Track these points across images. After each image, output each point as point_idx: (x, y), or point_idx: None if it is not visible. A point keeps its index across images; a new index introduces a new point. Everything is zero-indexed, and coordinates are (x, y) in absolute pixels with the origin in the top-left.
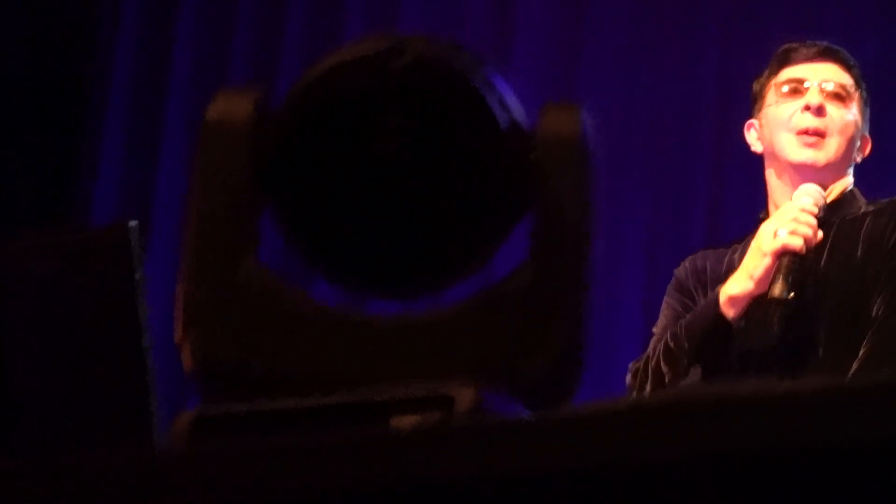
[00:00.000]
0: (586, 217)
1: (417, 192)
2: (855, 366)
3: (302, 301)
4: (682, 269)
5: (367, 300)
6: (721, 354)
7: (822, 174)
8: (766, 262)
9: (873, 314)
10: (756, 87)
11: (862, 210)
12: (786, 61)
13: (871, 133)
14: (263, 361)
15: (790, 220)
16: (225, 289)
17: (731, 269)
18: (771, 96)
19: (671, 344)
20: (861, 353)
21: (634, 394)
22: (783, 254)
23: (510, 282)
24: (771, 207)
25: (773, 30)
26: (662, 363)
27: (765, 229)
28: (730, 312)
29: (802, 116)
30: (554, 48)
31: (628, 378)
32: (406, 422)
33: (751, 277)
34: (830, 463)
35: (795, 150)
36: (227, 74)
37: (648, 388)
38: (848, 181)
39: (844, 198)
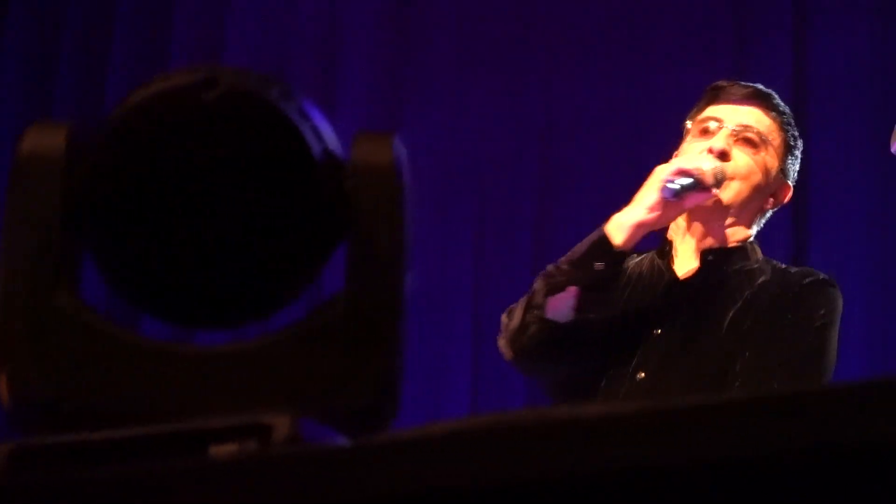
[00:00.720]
0: (400, 246)
1: (232, 223)
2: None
3: (122, 335)
4: None
5: (195, 332)
6: (601, 280)
7: (716, 216)
8: (656, 184)
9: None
10: (687, 120)
11: (757, 267)
12: (712, 99)
13: None
14: (80, 395)
15: (691, 156)
16: (37, 324)
17: (636, 269)
18: (691, 132)
19: (551, 268)
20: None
21: (503, 330)
22: (677, 174)
23: (327, 310)
24: (674, 240)
25: (597, 58)
26: (538, 283)
27: (660, 166)
28: (616, 237)
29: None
30: (380, 78)
31: (503, 318)
32: (223, 451)
33: (640, 204)
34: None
35: None
36: (51, 108)
37: (517, 313)
38: (747, 232)
39: (741, 248)
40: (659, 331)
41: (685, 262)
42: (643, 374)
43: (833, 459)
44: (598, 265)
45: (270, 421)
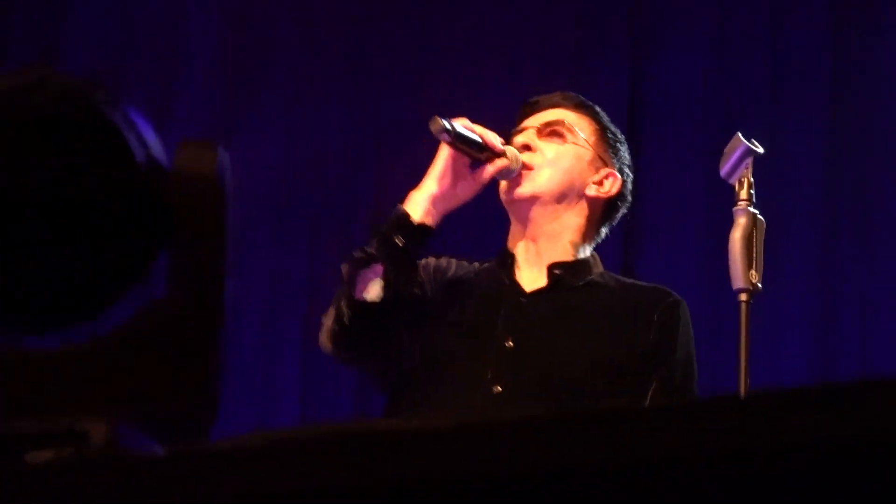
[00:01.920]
0: (220, 255)
1: (54, 226)
2: None
3: None
4: (423, 262)
5: (20, 336)
6: (404, 255)
7: (533, 205)
8: (444, 153)
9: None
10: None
11: (602, 282)
12: (523, 116)
13: None
14: None
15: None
16: None
17: (472, 278)
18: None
19: (355, 252)
20: None
21: (322, 330)
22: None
23: (148, 316)
24: (515, 252)
25: (432, 74)
26: (344, 267)
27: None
28: (414, 213)
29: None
30: (218, 90)
31: (322, 318)
32: (39, 457)
33: (431, 175)
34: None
35: (504, 189)
36: None
37: (332, 306)
38: (576, 221)
39: (584, 261)
40: (511, 343)
41: (529, 274)
42: (499, 388)
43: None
44: (399, 240)
45: (87, 427)
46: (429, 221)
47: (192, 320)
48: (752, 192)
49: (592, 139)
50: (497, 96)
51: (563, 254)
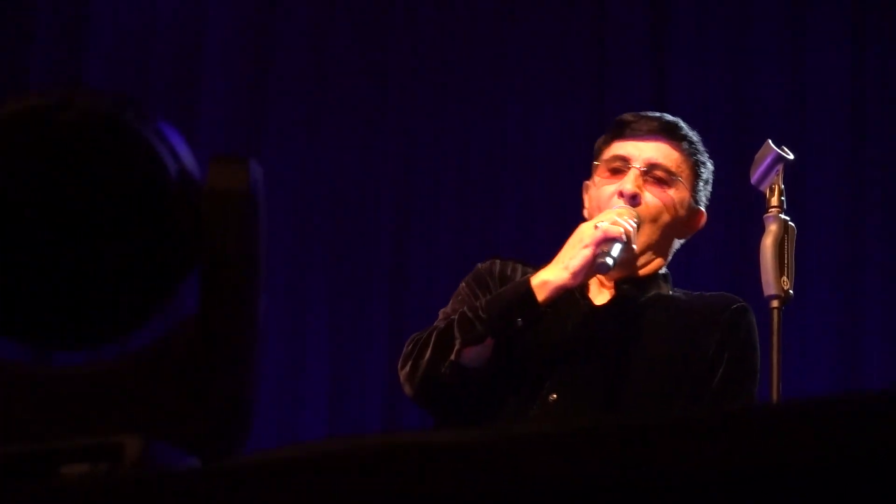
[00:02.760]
0: (253, 271)
1: (87, 244)
2: None
3: None
4: (487, 266)
5: (52, 353)
6: (520, 333)
7: (628, 260)
8: (586, 252)
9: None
10: (595, 148)
11: (670, 294)
12: (617, 135)
13: None
14: None
15: (610, 215)
16: None
17: None
18: (600, 170)
19: (469, 314)
20: None
21: (409, 363)
22: (603, 242)
23: (181, 333)
24: None
25: (455, 90)
26: (455, 329)
27: (584, 226)
28: (539, 295)
29: (618, 202)
30: (239, 108)
31: (407, 347)
32: (75, 471)
33: (566, 268)
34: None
35: None
36: None
37: (428, 354)
38: (660, 261)
39: (654, 277)
40: (576, 357)
41: (597, 289)
42: (555, 396)
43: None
44: (519, 322)
45: (121, 442)
46: (546, 305)
47: (224, 336)
48: (782, 198)
49: (690, 181)
50: (520, 113)
51: (633, 270)
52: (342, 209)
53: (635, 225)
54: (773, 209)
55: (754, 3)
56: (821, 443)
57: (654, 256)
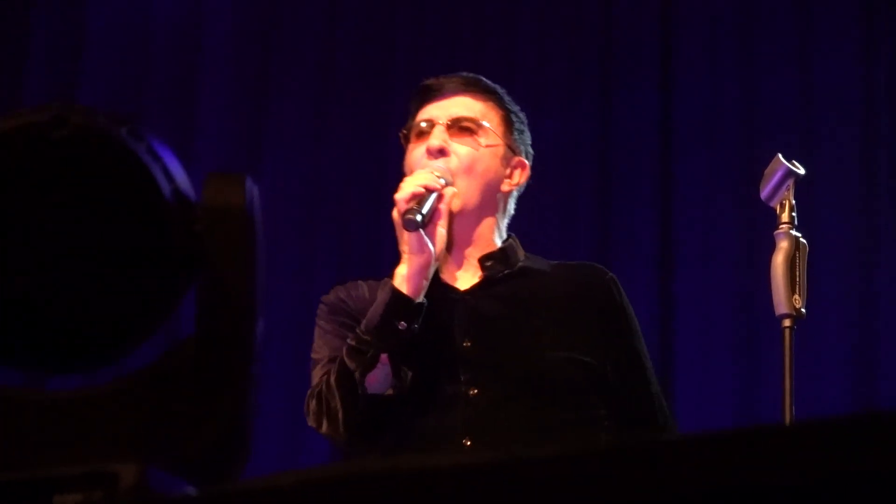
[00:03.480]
0: (251, 290)
1: (80, 264)
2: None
3: None
4: (336, 295)
5: (45, 377)
6: (410, 337)
7: (454, 219)
8: (402, 224)
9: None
10: (405, 131)
11: (532, 266)
12: (422, 102)
13: None
14: None
15: (409, 179)
16: None
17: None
18: (410, 138)
19: (352, 343)
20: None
21: (324, 419)
22: (411, 201)
23: (177, 355)
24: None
25: None
26: (349, 363)
27: (396, 196)
28: (407, 290)
29: (428, 162)
30: (238, 118)
31: (311, 405)
32: (69, 500)
33: (402, 251)
34: None
35: None
36: None
37: (338, 401)
38: (498, 222)
39: (509, 246)
40: (468, 343)
41: (457, 272)
42: (476, 391)
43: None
44: (402, 324)
45: (116, 469)
46: (419, 296)
47: (222, 358)
48: (793, 214)
49: (500, 129)
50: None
51: (488, 246)
52: (348, 219)
53: (440, 177)
54: (783, 225)
55: (763, 8)
56: (834, 465)
57: (483, 214)
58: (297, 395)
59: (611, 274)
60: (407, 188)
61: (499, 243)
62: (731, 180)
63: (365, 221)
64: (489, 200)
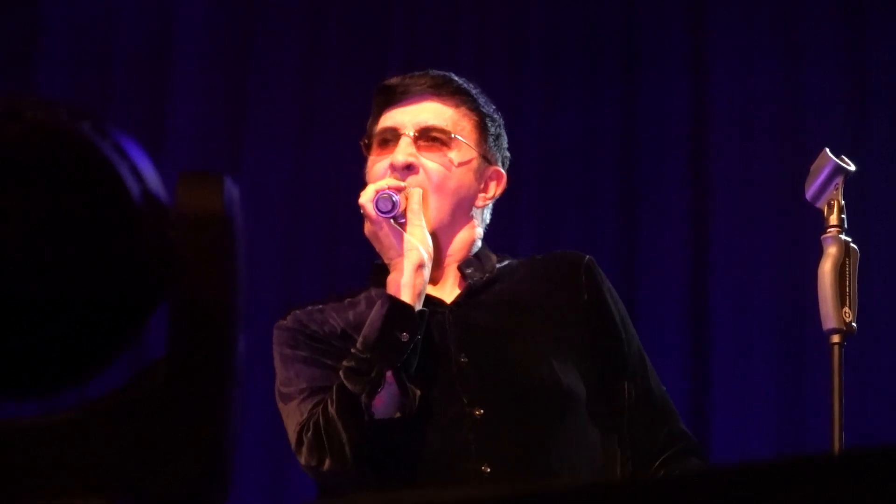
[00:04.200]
0: (230, 304)
1: (38, 276)
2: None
3: None
4: (296, 319)
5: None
6: (413, 351)
7: (439, 234)
8: (383, 230)
9: (626, 395)
10: (367, 127)
11: (508, 263)
12: (384, 104)
13: None
14: None
15: (365, 192)
16: None
17: (359, 316)
18: (372, 148)
19: (350, 364)
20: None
21: (327, 457)
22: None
23: (147, 379)
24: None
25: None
26: (350, 387)
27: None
28: (402, 295)
29: (392, 176)
30: (215, 110)
31: (306, 441)
32: None
33: (389, 258)
34: None
35: None
36: None
37: (343, 433)
38: (471, 234)
39: (483, 253)
40: (464, 359)
41: (447, 288)
42: (482, 411)
43: None
44: (404, 335)
45: None
46: (417, 302)
47: (197, 381)
48: (843, 216)
49: (474, 137)
50: (538, 114)
51: (463, 255)
52: (335, 227)
53: (402, 183)
54: (832, 229)
55: None
56: (889, 500)
57: (456, 229)
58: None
59: (588, 257)
60: (370, 189)
61: (475, 251)
62: (772, 178)
63: (354, 228)
64: (462, 216)
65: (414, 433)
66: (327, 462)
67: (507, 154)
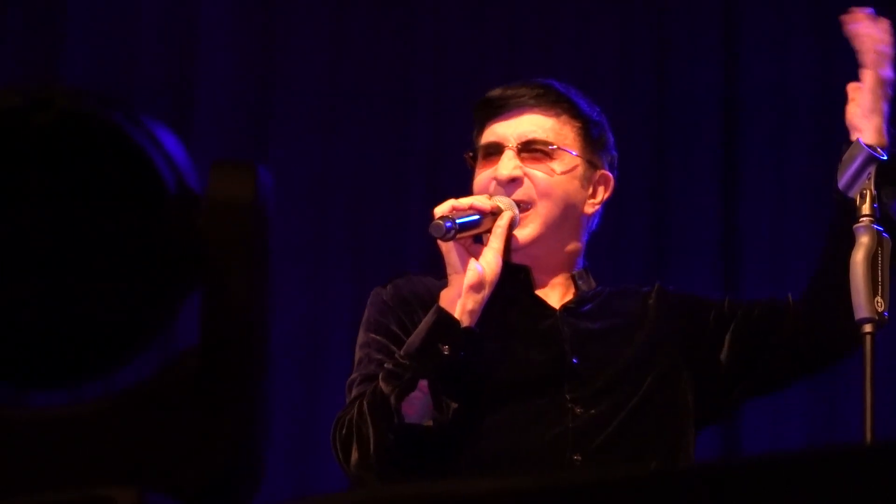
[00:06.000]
0: (261, 293)
1: (69, 264)
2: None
3: None
4: (395, 288)
5: (28, 393)
6: (450, 362)
7: (535, 246)
8: (448, 249)
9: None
10: (470, 153)
11: (600, 288)
12: (486, 118)
13: None
14: None
15: (442, 205)
16: None
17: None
18: (478, 161)
19: (389, 366)
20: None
21: (354, 451)
22: (436, 220)
23: (178, 368)
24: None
25: (497, 79)
26: (384, 387)
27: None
28: (452, 310)
29: (497, 190)
30: (241, 104)
31: (339, 432)
32: None
33: (450, 272)
34: None
35: None
36: None
37: (371, 431)
38: (578, 242)
39: (586, 270)
40: (575, 360)
41: (554, 291)
42: (581, 409)
43: None
44: (445, 349)
45: (112, 495)
46: (470, 320)
47: (228, 371)
48: (875, 206)
49: (578, 145)
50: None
51: (574, 268)
52: (364, 219)
53: (503, 206)
54: (864, 218)
55: None
56: None
57: (566, 238)
58: (310, 414)
59: (657, 285)
60: (447, 203)
61: (581, 265)
62: (803, 167)
63: (383, 221)
64: (570, 224)
65: (503, 422)
66: (353, 455)
67: (614, 154)
